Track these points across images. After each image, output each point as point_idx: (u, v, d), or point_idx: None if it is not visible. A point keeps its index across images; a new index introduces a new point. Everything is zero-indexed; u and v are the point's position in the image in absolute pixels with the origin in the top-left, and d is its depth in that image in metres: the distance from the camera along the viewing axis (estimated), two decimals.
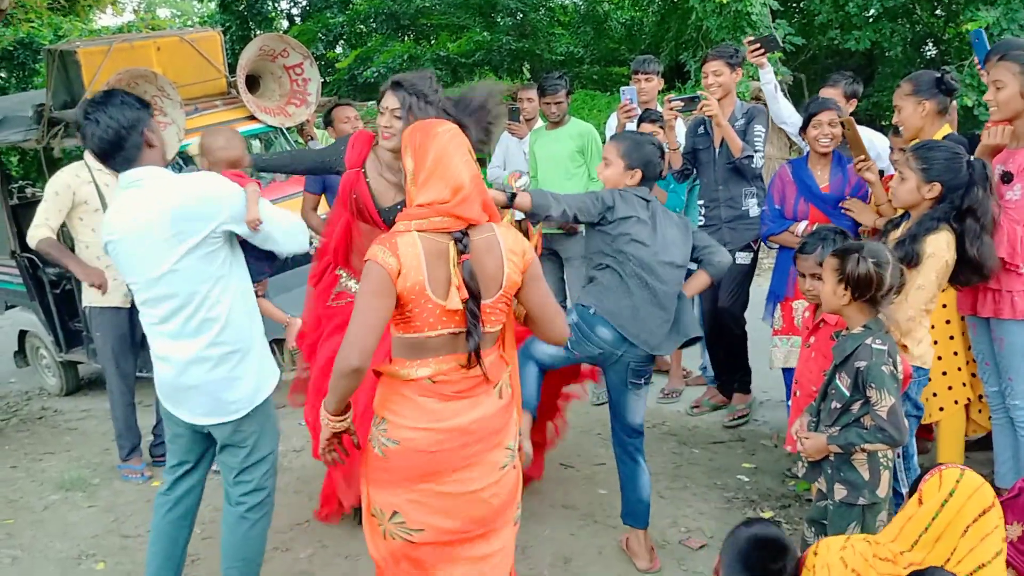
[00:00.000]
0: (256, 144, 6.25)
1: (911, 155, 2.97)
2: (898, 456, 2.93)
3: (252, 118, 5.68)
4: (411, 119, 3.06)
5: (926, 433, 3.91)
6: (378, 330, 2.20)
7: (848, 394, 2.59)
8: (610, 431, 3.35)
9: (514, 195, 3.01)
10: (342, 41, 17.98)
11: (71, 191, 4.23)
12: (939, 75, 3.40)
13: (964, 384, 3.56)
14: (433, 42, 16.62)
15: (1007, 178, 3.12)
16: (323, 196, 4.34)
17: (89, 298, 4.35)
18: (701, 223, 4.53)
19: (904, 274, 2.69)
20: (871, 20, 10.84)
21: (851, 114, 4.05)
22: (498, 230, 2.31)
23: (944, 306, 3.41)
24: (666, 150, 3.37)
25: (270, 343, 3.04)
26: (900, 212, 3.17)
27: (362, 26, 17.21)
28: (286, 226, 2.80)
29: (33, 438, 5.17)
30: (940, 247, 2.86)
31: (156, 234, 2.57)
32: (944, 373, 3.51)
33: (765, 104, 4.63)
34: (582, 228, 3.68)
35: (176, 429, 2.89)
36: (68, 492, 4.29)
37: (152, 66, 5.16)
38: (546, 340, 2.53)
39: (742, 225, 4.39)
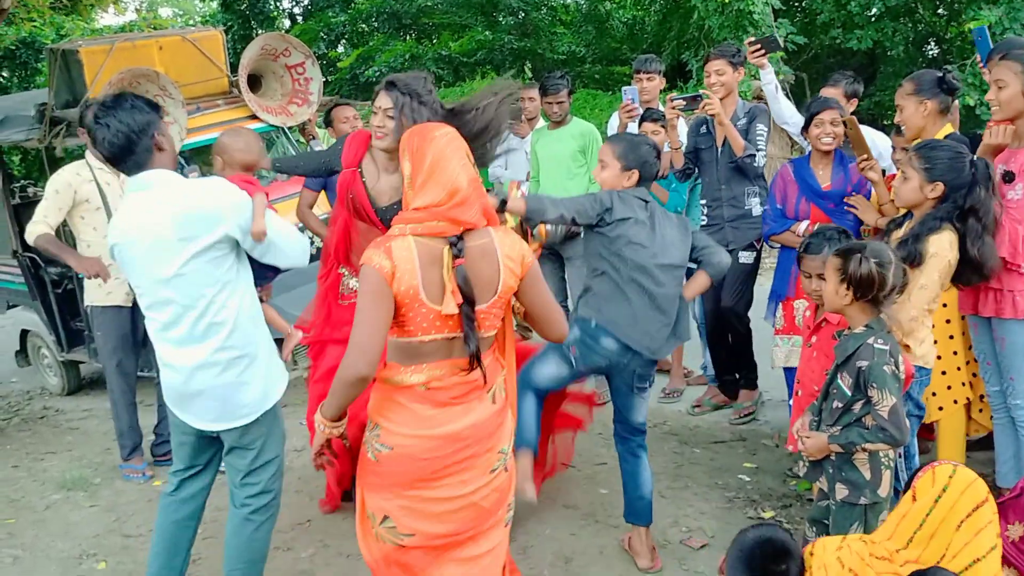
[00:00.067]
0: None
1: (914, 155, 2.97)
2: (899, 456, 2.93)
3: (254, 117, 5.68)
4: (404, 119, 3.08)
5: (927, 433, 3.91)
6: (382, 334, 2.20)
7: (850, 394, 2.59)
8: (611, 431, 3.36)
9: (505, 201, 2.98)
10: (344, 40, 18.01)
11: (72, 190, 4.24)
12: (941, 74, 3.39)
13: (964, 384, 3.56)
14: (435, 41, 16.65)
15: (1009, 177, 3.11)
16: (323, 194, 4.34)
17: (91, 297, 4.35)
18: (703, 222, 4.53)
19: (907, 274, 2.69)
20: (873, 19, 10.84)
21: (852, 113, 4.05)
22: (495, 235, 2.31)
23: (944, 305, 3.40)
24: (661, 151, 3.34)
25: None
26: (903, 211, 3.17)
27: (364, 25, 17.23)
28: (288, 241, 2.81)
29: (35, 437, 5.17)
30: (943, 247, 2.86)
31: (163, 237, 2.57)
32: (943, 373, 3.50)
33: (767, 103, 4.63)
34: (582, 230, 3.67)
35: (182, 437, 2.89)
36: (69, 491, 4.29)
37: (154, 65, 5.16)
38: (547, 338, 2.53)
39: (745, 224, 4.39)
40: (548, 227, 4.08)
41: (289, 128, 5.99)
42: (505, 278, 2.28)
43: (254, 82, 5.82)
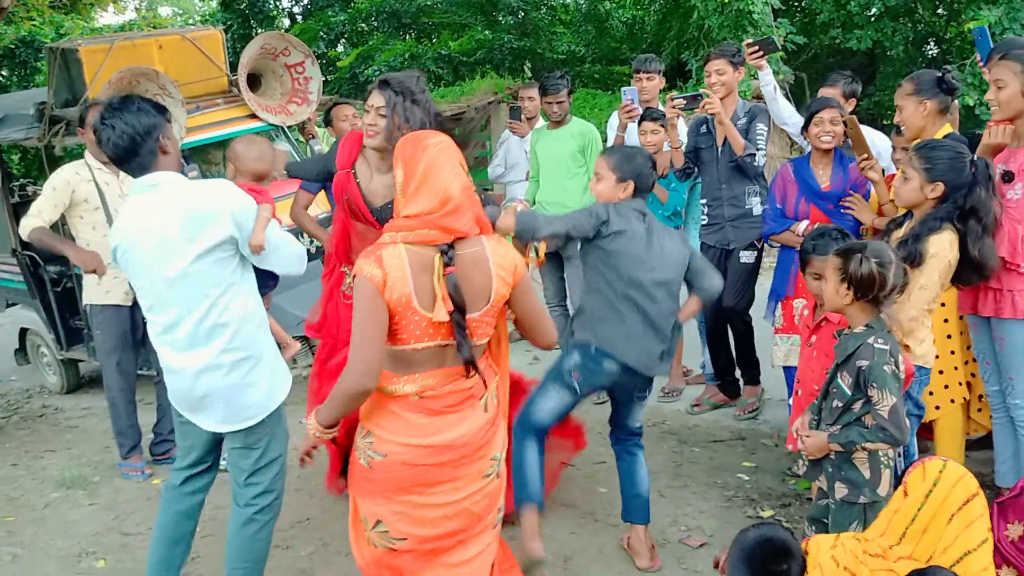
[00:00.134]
0: None
1: (914, 155, 2.97)
2: (899, 455, 2.93)
3: (253, 116, 5.68)
4: (396, 117, 3.08)
5: (927, 432, 3.91)
6: (380, 347, 2.21)
7: (849, 393, 2.59)
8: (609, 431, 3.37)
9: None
10: (343, 39, 17.99)
11: (70, 188, 4.23)
12: (940, 74, 3.39)
13: (961, 383, 3.56)
14: (434, 41, 16.64)
15: (1008, 177, 3.12)
16: (322, 193, 4.35)
17: (90, 296, 4.35)
18: (704, 221, 4.53)
19: (907, 274, 2.69)
20: (873, 19, 10.84)
21: (852, 113, 4.05)
22: (487, 244, 2.31)
23: (943, 305, 3.40)
24: (661, 151, 3.33)
25: None
26: (903, 211, 3.17)
27: (363, 24, 17.22)
28: (286, 254, 2.82)
29: (34, 436, 5.17)
30: (943, 247, 2.86)
31: (169, 237, 2.58)
32: (940, 372, 3.50)
33: (766, 103, 4.63)
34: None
35: (188, 440, 2.91)
36: (69, 490, 4.29)
37: (154, 64, 5.15)
38: (537, 345, 2.54)
39: (745, 224, 4.39)
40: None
41: (288, 127, 5.99)
42: (497, 287, 2.29)
43: (254, 81, 5.81)
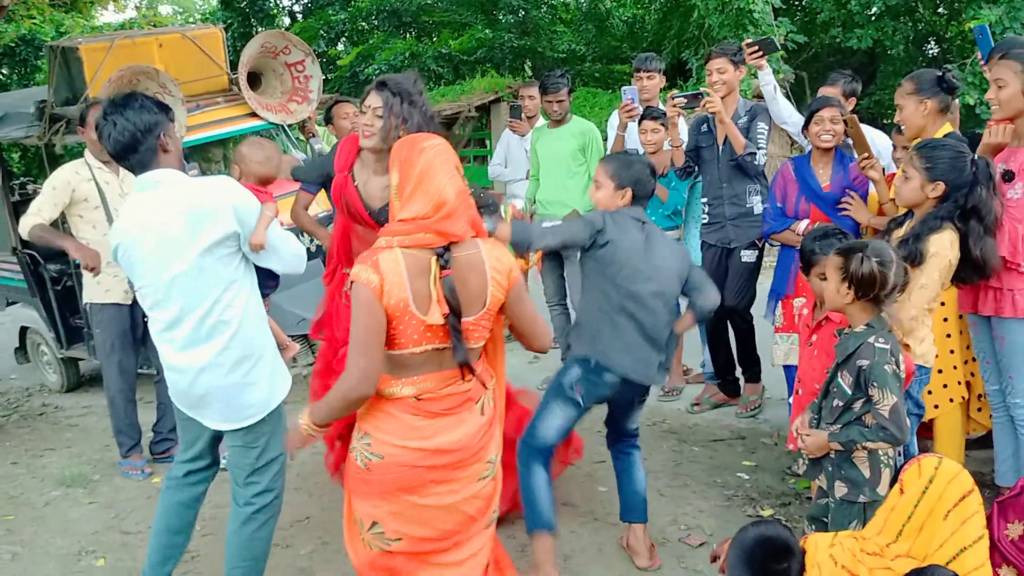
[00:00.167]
0: None
1: (915, 154, 2.97)
2: (899, 454, 2.93)
3: (253, 115, 5.67)
4: (393, 118, 3.08)
5: (927, 431, 3.91)
6: (379, 351, 2.22)
7: (850, 392, 2.59)
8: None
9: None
10: (344, 38, 18.01)
11: (70, 187, 4.23)
12: (941, 74, 3.39)
13: (959, 382, 3.56)
14: (435, 39, 16.65)
15: (1008, 176, 3.11)
16: (321, 192, 4.36)
17: (90, 295, 4.35)
18: (705, 220, 4.53)
19: (907, 273, 2.69)
20: (873, 18, 10.85)
21: (852, 112, 4.05)
22: (483, 247, 2.31)
23: (942, 304, 3.40)
24: (656, 167, 3.31)
25: None
26: (903, 211, 3.17)
27: (364, 23, 17.24)
28: (286, 253, 2.82)
29: (34, 434, 5.17)
30: (943, 246, 2.86)
31: (171, 234, 2.58)
32: (939, 371, 3.50)
33: None
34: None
35: (190, 434, 2.92)
36: (69, 488, 4.29)
37: (154, 63, 5.15)
38: (531, 349, 2.55)
39: (746, 222, 4.39)
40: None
41: (289, 126, 5.99)
42: (493, 290, 2.29)
43: (254, 80, 5.81)
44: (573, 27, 15.79)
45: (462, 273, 2.24)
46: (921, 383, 3.02)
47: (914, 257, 2.84)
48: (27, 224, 4.11)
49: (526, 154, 5.64)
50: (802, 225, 3.87)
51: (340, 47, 18.24)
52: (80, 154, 4.47)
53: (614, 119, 5.06)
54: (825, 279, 3.02)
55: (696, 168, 4.56)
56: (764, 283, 4.41)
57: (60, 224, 4.36)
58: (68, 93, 5.20)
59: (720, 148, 4.39)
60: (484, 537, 2.48)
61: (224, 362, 2.67)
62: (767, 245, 4.39)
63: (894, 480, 2.35)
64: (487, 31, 15.33)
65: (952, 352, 3.54)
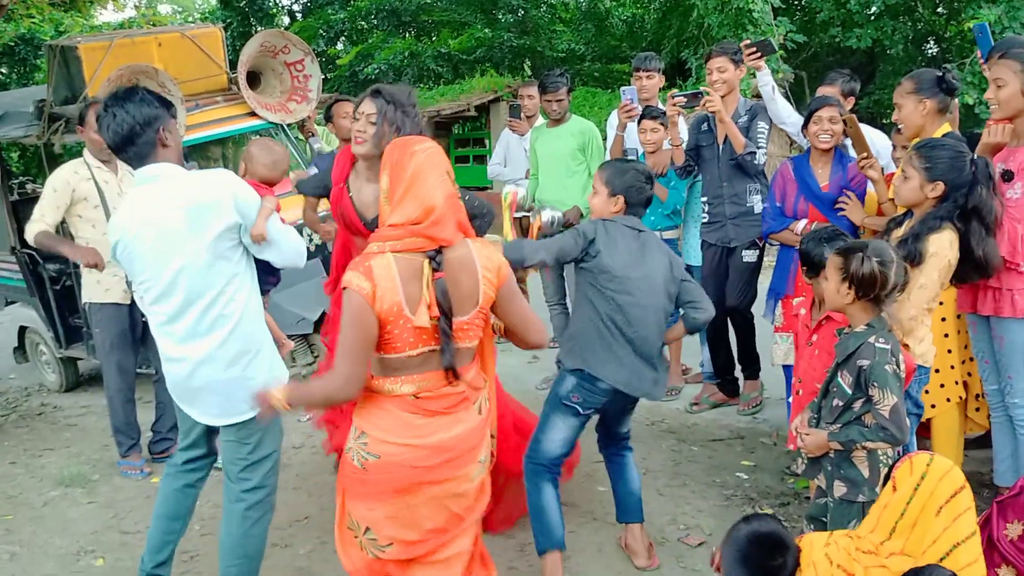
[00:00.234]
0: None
1: (915, 154, 2.97)
2: (898, 454, 2.93)
3: (253, 114, 5.68)
4: (385, 126, 3.08)
5: (925, 431, 3.91)
6: (366, 357, 2.23)
7: (850, 392, 2.59)
8: None
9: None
10: (343, 37, 18.00)
11: (70, 188, 4.23)
12: (940, 73, 3.39)
13: (957, 382, 3.56)
14: (434, 39, 16.64)
15: (1008, 176, 3.11)
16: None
17: (89, 294, 4.35)
18: (705, 219, 4.53)
19: (907, 273, 2.69)
20: (872, 18, 10.85)
21: (851, 111, 4.05)
22: (473, 247, 2.31)
23: (940, 303, 3.40)
24: (654, 175, 3.30)
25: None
26: (902, 210, 3.16)
27: (363, 22, 17.23)
28: (285, 246, 2.83)
29: (32, 434, 5.16)
30: (943, 246, 2.86)
31: (172, 228, 2.58)
32: (937, 371, 3.50)
33: None
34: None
35: (188, 423, 2.93)
36: (67, 488, 4.29)
37: (153, 62, 5.15)
38: (527, 347, 2.54)
39: (746, 222, 4.39)
40: (544, 221, 4.08)
41: (288, 125, 5.99)
42: (484, 288, 2.29)
43: (253, 79, 5.81)
44: (572, 26, 15.78)
45: (454, 274, 2.24)
46: (920, 383, 3.02)
47: (913, 257, 2.84)
48: (32, 231, 4.12)
49: (525, 153, 5.64)
50: (800, 225, 3.87)
51: (339, 46, 18.23)
52: (79, 153, 4.46)
53: (613, 119, 5.06)
54: (826, 279, 3.03)
55: (696, 167, 4.56)
56: (763, 283, 4.41)
57: (60, 224, 4.36)
58: (67, 92, 5.20)
59: (720, 147, 4.39)
60: (469, 536, 2.49)
61: (223, 356, 2.67)
62: (767, 245, 4.39)
63: (885, 477, 2.35)
64: (486, 30, 15.33)
65: (949, 352, 3.54)
